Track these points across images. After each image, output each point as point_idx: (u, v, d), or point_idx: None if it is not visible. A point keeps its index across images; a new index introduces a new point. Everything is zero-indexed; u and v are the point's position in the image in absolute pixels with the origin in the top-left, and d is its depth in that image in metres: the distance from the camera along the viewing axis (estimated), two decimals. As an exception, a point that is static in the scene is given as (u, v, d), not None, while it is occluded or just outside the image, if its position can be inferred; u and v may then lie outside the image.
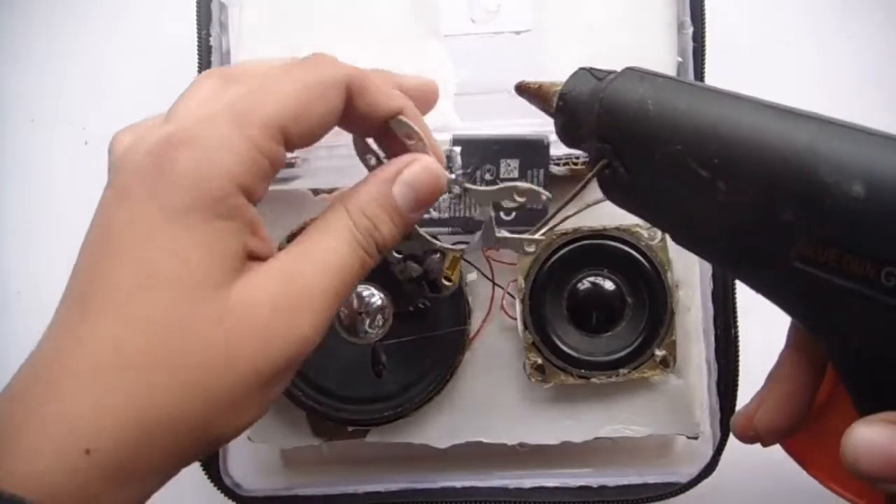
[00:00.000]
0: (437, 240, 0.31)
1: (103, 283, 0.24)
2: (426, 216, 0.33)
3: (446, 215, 0.37)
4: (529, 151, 0.33)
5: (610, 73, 0.29)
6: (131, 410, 0.23)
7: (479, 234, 0.31)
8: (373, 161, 0.30)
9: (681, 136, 0.25)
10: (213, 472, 0.40)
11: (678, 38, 0.41)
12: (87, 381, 0.23)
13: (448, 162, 0.32)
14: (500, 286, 0.40)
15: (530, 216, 0.35)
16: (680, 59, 0.41)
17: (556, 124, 0.30)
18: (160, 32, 0.51)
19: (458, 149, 0.32)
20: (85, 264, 0.25)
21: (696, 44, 0.40)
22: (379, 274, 0.38)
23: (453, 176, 0.30)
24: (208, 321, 0.24)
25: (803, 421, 0.28)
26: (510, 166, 0.34)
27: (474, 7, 0.42)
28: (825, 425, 0.29)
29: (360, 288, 0.39)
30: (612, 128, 0.28)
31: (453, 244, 0.31)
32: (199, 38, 0.41)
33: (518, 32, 0.42)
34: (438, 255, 0.32)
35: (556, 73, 0.42)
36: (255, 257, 0.26)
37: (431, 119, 0.41)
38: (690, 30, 0.40)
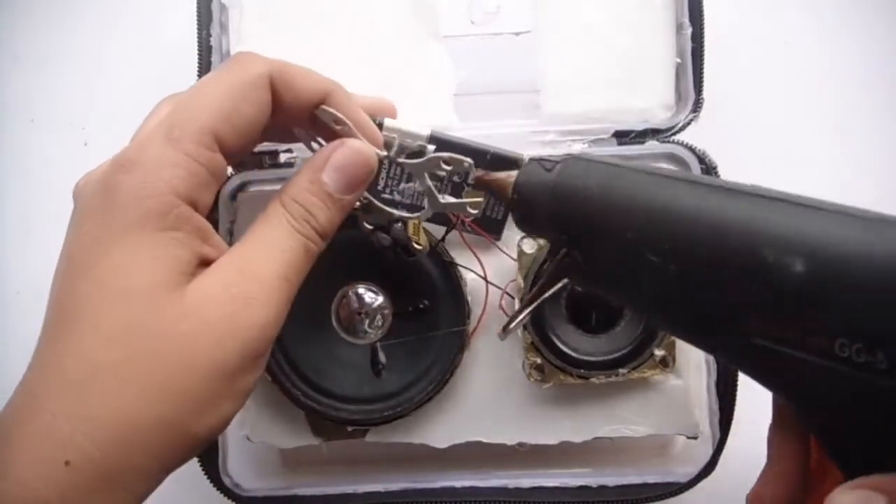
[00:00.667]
0: (395, 210, 0.34)
1: (69, 302, 0.26)
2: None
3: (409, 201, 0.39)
4: (501, 167, 0.34)
5: (558, 161, 0.29)
6: (105, 418, 0.24)
7: (426, 202, 0.33)
8: (335, 125, 0.31)
9: (629, 224, 0.26)
10: (213, 472, 0.40)
11: (677, 39, 0.41)
12: (63, 395, 0.24)
13: (420, 156, 0.33)
14: (498, 286, 0.40)
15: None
16: (679, 60, 0.41)
17: (514, 216, 0.31)
18: (160, 33, 0.51)
19: (432, 147, 0.34)
20: (55, 287, 0.27)
21: (695, 44, 0.40)
22: (378, 274, 0.39)
23: (384, 153, 0.31)
24: (165, 324, 0.25)
25: (808, 491, 0.28)
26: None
27: (474, 8, 0.42)
28: (822, 491, 0.28)
29: (360, 288, 0.39)
30: (566, 218, 0.28)
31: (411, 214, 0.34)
32: (200, 38, 0.41)
33: (517, 33, 0.42)
34: (400, 223, 0.35)
35: (555, 74, 0.42)
36: (209, 262, 0.27)
37: (432, 119, 0.41)
38: (689, 30, 0.40)
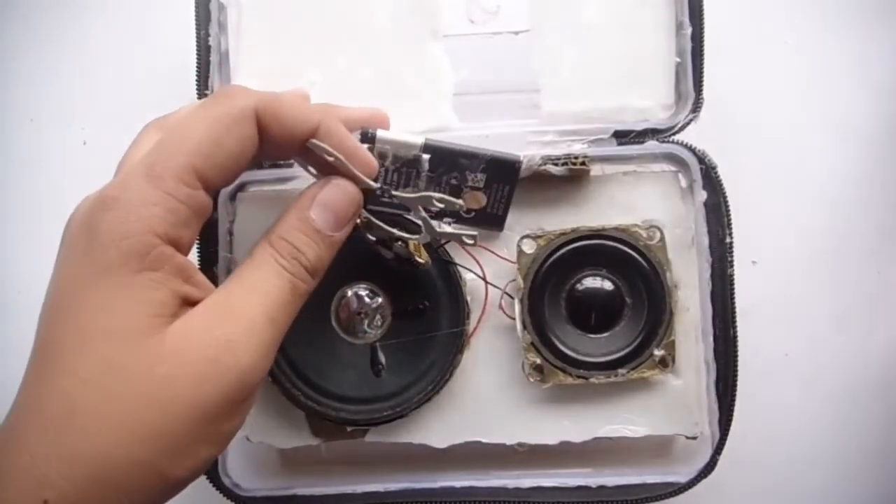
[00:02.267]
0: (396, 230, 0.34)
1: (51, 342, 0.26)
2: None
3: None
4: (499, 169, 0.34)
5: None
6: (82, 458, 0.24)
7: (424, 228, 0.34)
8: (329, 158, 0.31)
9: None
10: (212, 472, 0.40)
11: (676, 39, 0.41)
12: (41, 435, 0.24)
13: (416, 164, 0.33)
14: (497, 286, 0.40)
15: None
16: (678, 60, 0.41)
17: None
18: (159, 33, 0.51)
19: (426, 156, 0.34)
20: (39, 326, 0.27)
21: (695, 44, 0.40)
22: (378, 274, 0.39)
23: (378, 185, 0.32)
24: (143, 367, 0.25)
25: None
26: (477, 178, 0.35)
27: (473, 7, 0.42)
28: None
29: (359, 288, 0.39)
30: None
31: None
32: (198, 38, 0.41)
33: (517, 33, 0.42)
34: (401, 242, 0.35)
35: (554, 73, 0.42)
36: (192, 302, 0.27)
37: (431, 119, 0.41)
38: (689, 30, 0.40)
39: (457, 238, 0.35)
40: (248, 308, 0.27)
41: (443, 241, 0.37)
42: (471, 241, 0.35)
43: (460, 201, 0.34)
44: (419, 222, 0.34)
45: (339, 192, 0.30)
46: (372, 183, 0.31)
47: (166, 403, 0.25)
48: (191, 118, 0.28)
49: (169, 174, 0.26)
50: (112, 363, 0.25)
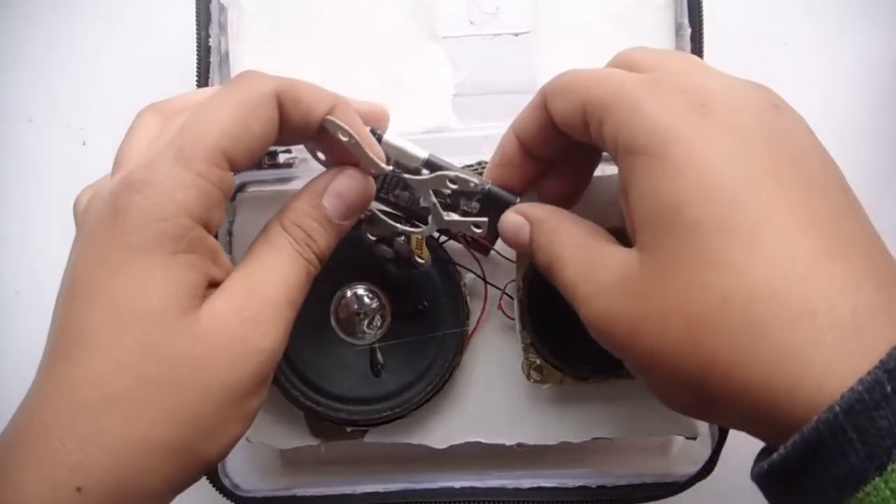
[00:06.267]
0: (399, 224, 0.34)
1: (77, 326, 0.25)
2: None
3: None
4: (493, 202, 0.35)
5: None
6: (117, 444, 0.24)
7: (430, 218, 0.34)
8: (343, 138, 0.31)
9: None
10: (212, 473, 0.40)
11: (676, 40, 0.41)
12: (72, 420, 0.24)
13: (416, 174, 0.33)
14: (497, 287, 0.40)
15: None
16: (678, 61, 0.41)
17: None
18: (159, 33, 0.51)
19: (426, 172, 0.34)
20: (60, 310, 0.26)
21: (695, 45, 0.40)
22: (377, 275, 0.39)
23: (390, 168, 0.32)
24: (179, 349, 0.25)
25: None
26: (471, 205, 0.36)
27: (473, 9, 0.42)
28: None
29: (359, 289, 0.39)
30: None
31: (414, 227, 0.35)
32: (199, 38, 0.41)
33: (516, 34, 0.42)
34: (403, 237, 0.35)
35: (554, 74, 0.42)
36: (216, 284, 0.28)
37: (431, 120, 0.41)
38: (688, 31, 0.40)
39: (465, 227, 0.34)
40: (272, 290, 0.28)
41: (450, 232, 0.37)
42: (480, 231, 0.34)
43: (475, 179, 0.33)
44: (428, 207, 0.34)
45: (353, 183, 0.31)
46: (384, 166, 0.32)
47: (202, 385, 0.25)
48: (215, 102, 0.28)
49: (199, 156, 0.26)
50: (148, 345, 0.25)
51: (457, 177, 0.33)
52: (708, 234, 0.24)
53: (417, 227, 0.36)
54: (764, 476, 0.24)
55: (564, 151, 0.33)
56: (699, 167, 0.24)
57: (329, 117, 0.30)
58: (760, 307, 0.23)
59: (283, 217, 0.30)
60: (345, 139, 0.30)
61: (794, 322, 0.22)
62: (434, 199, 0.34)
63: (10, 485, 0.23)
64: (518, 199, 0.35)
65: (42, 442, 0.24)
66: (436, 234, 0.37)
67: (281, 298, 0.28)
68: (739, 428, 0.26)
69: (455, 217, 0.34)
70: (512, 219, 0.33)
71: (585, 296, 0.28)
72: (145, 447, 0.24)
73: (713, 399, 0.24)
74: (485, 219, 0.34)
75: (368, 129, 0.32)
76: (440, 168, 0.34)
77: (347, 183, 0.31)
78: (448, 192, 0.34)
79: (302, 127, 0.30)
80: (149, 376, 0.25)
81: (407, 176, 0.33)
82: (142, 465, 0.24)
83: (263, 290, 0.28)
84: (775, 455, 0.23)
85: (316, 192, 0.30)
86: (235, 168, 0.28)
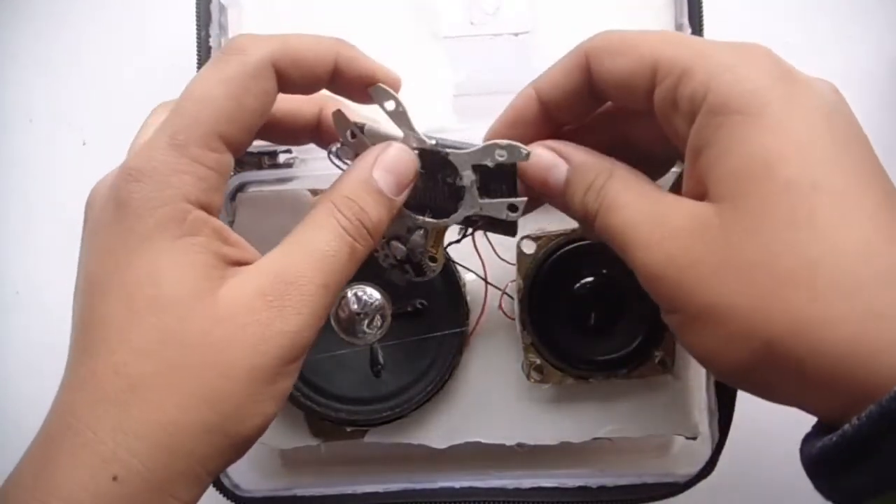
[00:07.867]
0: (421, 215, 0.32)
1: (96, 319, 0.25)
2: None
3: None
4: (489, 172, 0.31)
5: None
6: (147, 430, 0.24)
7: (461, 203, 0.31)
8: (349, 137, 0.31)
9: None
10: (212, 472, 0.40)
11: (676, 40, 0.41)
12: (101, 411, 0.24)
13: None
14: (497, 287, 0.40)
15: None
16: (678, 61, 0.41)
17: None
18: (159, 33, 0.51)
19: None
20: (78, 305, 0.26)
21: (695, 45, 0.40)
22: (377, 275, 0.39)
23: (434, 141, 0.31)
24: (200, 332, 0.25)
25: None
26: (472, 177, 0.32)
27: (473, 9, 0.42)
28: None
29: (359, 289, 0.39)
30: None
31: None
32: (199, 39, 0.41)
33: (517, 34, 0.42)
34: (422, 231, 0.32)
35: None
36: (237, 262, 0.27)
37: (431, 120, 0.41)
38: (689, 31, 0.40)
39: (499, 210, 0.31)
40: (303, 273, 0.27)
41: (472, 221, 0.33)
42: (516, 214, 0.31)
43: (528, 149, 0.30)
44: (467, 185, 0.31)
45: (402, 155, 0.30)
46: (426, 139, 0.30)
47: (225, 367, 0.25)
48: (205, 82, 0.27)
49: (193, 141, 0.26)
50: (165, 331, 0.25)
51: (509, 145, 0.30)
52: (799, 193, 0.24)
53: (440, 219, 0.32)
54: (829, 450, 0.23)
55: (585, 117, 0.31)
56: (794, 128, 0.24)
57: (380, 84, 0.30)
58: (851, 267, 0.23)
59: (331, 194, 0.29)
60: (391, 109, 0.30)
61: (886, 283, 0.22)
62: (474, 177, 0.31)
63: (50, 477, 0.24)
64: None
65: (75, 435, 0.24)
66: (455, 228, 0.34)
67: (312, 283, 0.27)
68: (788, 399, 0.25)
69: (488, 199, 0.31)
70: (545, 155, 0.30)
71: (645, 241, 0.27)
72: (175, 431, 0.24)
73: (780, 360, 0.23)
74: (524, 198, 0.31)
75: (349, 132, 0.31)
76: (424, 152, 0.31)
77: (396, 155, 0.30)
78: (492, 164, 0.30)
79: (306, 88, 0.29)
80: (170, 361, 0.25)
81: (450, 150, 0.31)
82: (174, 450, 0.24)
83: (293, 272, 0.27)
84: (847, 426, 0.22)
85: (366, 166, 0.29)
86: (233, 147, 0.27)
